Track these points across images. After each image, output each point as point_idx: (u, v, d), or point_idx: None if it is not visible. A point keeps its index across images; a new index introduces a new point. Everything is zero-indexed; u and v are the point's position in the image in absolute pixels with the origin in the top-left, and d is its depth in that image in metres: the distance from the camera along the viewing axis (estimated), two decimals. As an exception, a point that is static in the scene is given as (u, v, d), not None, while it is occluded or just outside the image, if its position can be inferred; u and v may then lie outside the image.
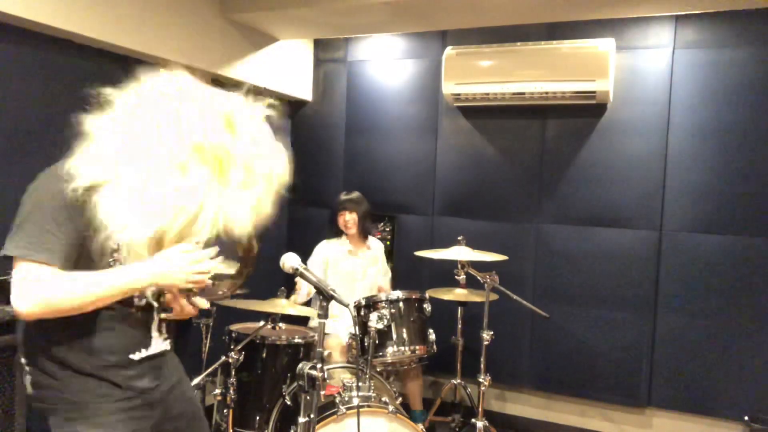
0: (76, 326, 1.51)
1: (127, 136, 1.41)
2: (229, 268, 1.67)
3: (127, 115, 1.42)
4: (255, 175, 1.53)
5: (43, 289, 1.40)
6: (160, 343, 1.69)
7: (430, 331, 3.22)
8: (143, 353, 1.64)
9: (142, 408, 1.63)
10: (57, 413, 1.54)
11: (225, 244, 1.61)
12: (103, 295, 1.44)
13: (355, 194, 3.82)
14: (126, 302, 1.56)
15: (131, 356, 1.61)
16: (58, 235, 1.42)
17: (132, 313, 1.60)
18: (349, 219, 3.71)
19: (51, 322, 1.46)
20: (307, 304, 3.62)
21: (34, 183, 1.47)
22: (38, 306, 1.39)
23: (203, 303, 1.63)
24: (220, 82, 3.57)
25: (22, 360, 1.58)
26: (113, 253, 1.51)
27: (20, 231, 1.43)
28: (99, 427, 1.54)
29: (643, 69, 3.73)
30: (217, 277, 1.64)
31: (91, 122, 1.41)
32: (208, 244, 1.53)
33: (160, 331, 1.69)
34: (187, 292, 1.58)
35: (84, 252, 1.47)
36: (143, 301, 1.62)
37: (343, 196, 3.80)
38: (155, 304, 1.65)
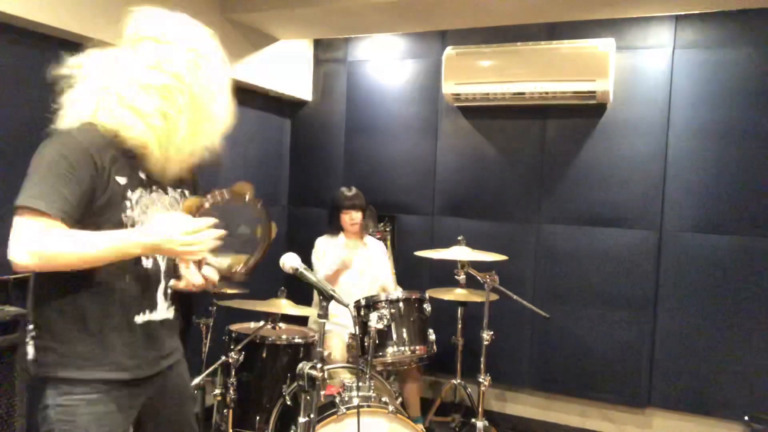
0: (84, 281, 1.50)
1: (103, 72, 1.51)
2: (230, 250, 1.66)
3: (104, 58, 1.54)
4: (203, 110, 1.57)
5: (40, 241, 1.38)
6: (164, 310, 1.68)
7: (430, 331, 3.22)
8: (146, 316, 1.62)
9: (138, 384, 1.61)
10: (56, 385, 1.52)
11: (243, 222, 1.62)
12: (99, 255, 1.43)
13: (356, 190, 3.75)
14: (134, 260, 1.55)
15: (136, 318, 1.59)
16: (61, 188, 1.42)
17: (140, 272, 1.59)
18: (356, 217, 3.69)
19: (60, 276, 1.45)
20: (310, 302, 3.62)
21: (43, 143, 1.49)
22: (33, 257, 1.38)
23: (213, 275, 1.60)
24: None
25: (30, 326, 1.56)
26: (126, 210, 1.52)
27: (25, 183, 1.43)
28: (94, 404, 1.52)
29: (643, 69, 3.73)
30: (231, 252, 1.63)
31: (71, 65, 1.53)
32: (226, 219, 1.55)
33: (165, 296, 1.67)
34: (196, 261, 1.57)
35: (89, 211, 1.47)
36: (150, 262, 1.60)
37: (346, 193, 3.74)
38: (162, 267, 1.64)
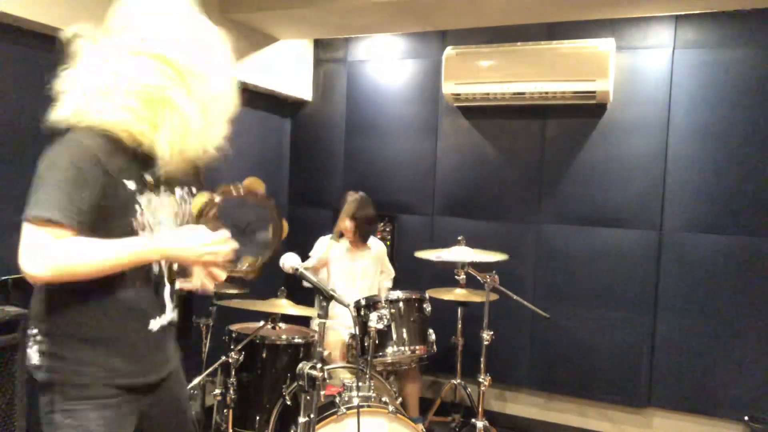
0: (95, 289, 1.48)
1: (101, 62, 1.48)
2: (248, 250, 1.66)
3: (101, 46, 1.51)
4: (209, 96, 1.55)
5: (54, 253, 1.36)
6: (171, 312, 1.68)
7: (430, 331, 3.22)
8: (159, 320, 1.61)
9: (144, 389, 1.61)
10: (62, 391, 1.50)
11: (254, 221, 1.61)
12: (115, 263, 1.42)
13: (360, 198, 3.68)
14: (145, 266, 1.55)
15: (152, 322, 1.59)
16: (73, 197, 1.39)
17: (149, 278, 1.58)
18: (348, 226, 3.67)
19: (71, 284, 1.43)
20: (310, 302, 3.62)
21: (49, 150, 1.46)
22: (49, 269, 1.36)
23: (221, 275, 1.61)
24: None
25: (33, 330, 1.54)
26: (136, 214, 1.51)
27: (35, 193, 1.40)
28: (101, 409, 1.51)
29: (643, 69, 3.73)
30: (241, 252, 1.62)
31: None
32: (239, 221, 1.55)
33: (171, 297, 1.67)
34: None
35: (100, 218, 1.46)
36: (157, 267, 1.60)
37: (348, 199, 3.69)
38: (165, 271, 1.63)
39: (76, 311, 1.51)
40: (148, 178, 1.55)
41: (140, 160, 1.51)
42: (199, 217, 1.56)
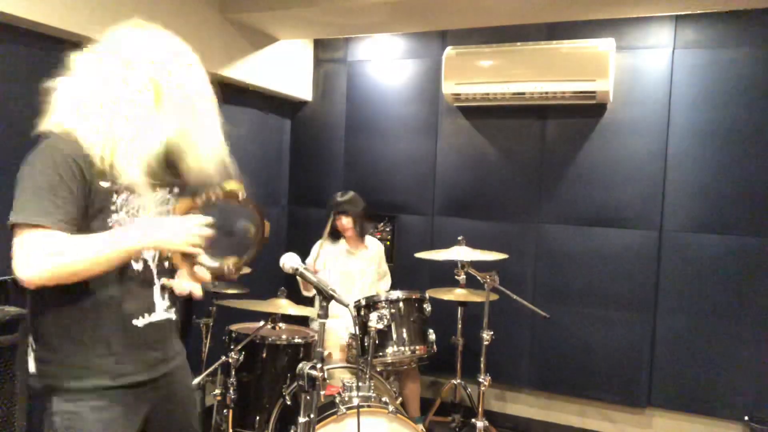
0: (77, 291, 1.50)
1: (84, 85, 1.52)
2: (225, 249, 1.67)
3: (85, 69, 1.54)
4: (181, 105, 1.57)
5: (47, 255, 1.39)
6: (164, 311, 1.68)
7: (430, 331, 3.22)
8: (147, 319, 1.62)
9: (144, 387, 1.62)
10: (59, 393, 1.52)
11: (236, 222, 1.63)
12: (107, 257, 1.45)
13: (350, 195, 3.75)
14: (123, 266, 1.56)
15: (135, 321, 1.59)
16: (55, 199, 1.42)
17: (134, 276, 1.59)
18: (346, 223, 3.68)
19: (55, 290, 1.45)
20: (310, 302, 3.62)
21: (29, 155, 1.49)
22: (44, 272, 1.39)
23: (205, 275, 1.61)
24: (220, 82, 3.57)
25: (30, 338, 1.57)
26: (112, 214, 1.53)
27: (18, 199, 1.43)
28: (99, 410, 1.52)
29: (643, 69, 3.73)
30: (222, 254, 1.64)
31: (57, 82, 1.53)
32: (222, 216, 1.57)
33: (163, 296, 1.67)
34: (189, 259, 1.58)
35: (80, 219, 1.48)
36: (141, 265, 1.61)
37: (338, 198, 3.73)
38: (154, 270, 1.64)
39: (60, 314, 1.53)
40: (124, 179, 1.55)
41: (113, 163, 1.52)
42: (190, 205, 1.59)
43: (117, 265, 1.50)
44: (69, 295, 1.50)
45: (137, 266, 1.61)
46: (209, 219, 1.55)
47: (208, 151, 1.62)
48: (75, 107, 1.50)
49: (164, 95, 1.53)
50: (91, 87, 1.51)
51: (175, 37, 1.63)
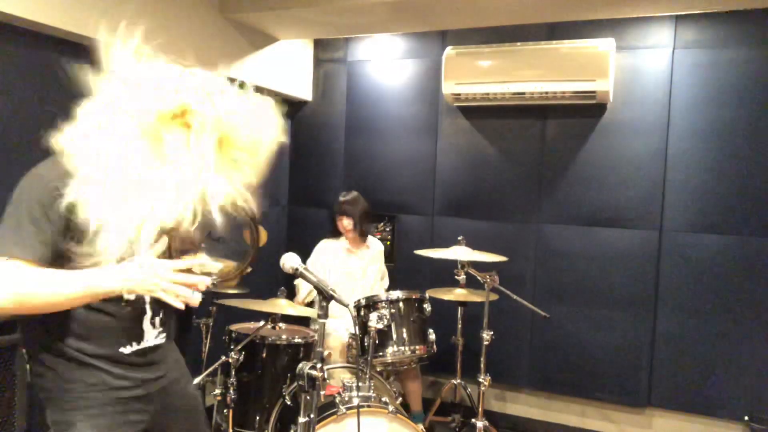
0: (70, 317, 1.51)
1: (98, 121, 1.40)
2: (219, 263, 1.63)
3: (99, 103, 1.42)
4: (235, 145, 1.46)
5: (10, 285, 1.37)
6: (153, 338, 1.68)
7: (430, 331, 3.22)
8: (134, 347, 1.62)
9: (138, 400, 1.62)
10: (55, 403, 1.55)
11: (232, 232, 1.59)
12: (72, 296, 1.41)
13: (352, 195, 3.76)
14: (115, 297, 1.53)
15: (121, 349, 1.60)
16: (33, 231, 1.41)
17: (122, 306, 1.58)
18: (347, 224, 3.69)
19: (40, 315, 1.45)
20: (311, 304, 3.62)
21: (21, 181, 1.47)
22: (7, 302, 1.36)
23: (195, 300, 1.53)
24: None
25: (24, 350, 1.61)
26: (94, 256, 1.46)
27: (1, 227, 1.43)
28: (94, 418, 1.54)
29: (643, 69, 3.73)
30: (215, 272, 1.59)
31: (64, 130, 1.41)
32: (208, 228, 1.48)
33: (153, 324, 1.67)
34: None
35: (63, 253, 1.45)
36: (132, 296, 1.59)
37: (341, 198, 3.76)
38: (146, 298, 1.62)
39: (50, 333, 1.54)
40: None
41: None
42: (171, 232, 1.52)
43: (83, 303, 1.46)
44: (56, 321, 1.50)
45: (129, 296, 1.58)
46: (195, 262, 1.48)
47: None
48: (88, 136, 1.40)
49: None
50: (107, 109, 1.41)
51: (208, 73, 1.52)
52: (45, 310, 1.42)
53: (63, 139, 1.42)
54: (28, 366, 1.60)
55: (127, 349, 1.61)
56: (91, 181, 1.38)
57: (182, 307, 1.47)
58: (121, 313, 1.59)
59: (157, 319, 1.68)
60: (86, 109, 1.43)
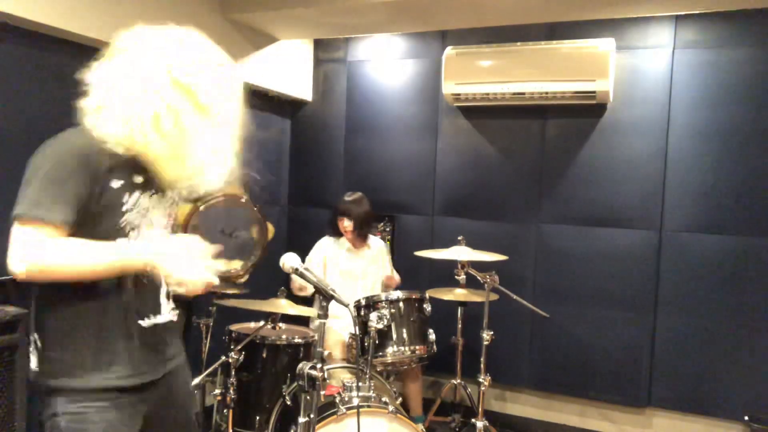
0: (86, 289, 1.49)
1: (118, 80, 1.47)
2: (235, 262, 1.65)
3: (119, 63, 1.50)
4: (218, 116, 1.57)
5: (39, 252, 1.37)
6: (168, 312, 1.68)
7: (430, 331, 3.22)
8: (152, 320, 1.62)
9: (146, 386, 1.61)
10: (63, 393, 1.51)
11: (239, 227, 1.61)
12: (99, 267, 1.43)
13: (357, 197, 3.71)
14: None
15: (141, 322, 1.59)
16: (60, 195, 1.40)
17: (142, 278, 1.58)
18: (347, 225, 3.67)
19: (61, 285, 1.44)
20: (311, 301, 3.62)
21: (41, 147, 1.47)
22: (32, 268, 1.37)
23: (213, 279, 1.58)
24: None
25: (33, 335, 1.55)
26: (123, 214, 1.51)
27: (22, 192, 1.41)
28: (104, 410, 1.52)
29: (643, 69, 3.73)
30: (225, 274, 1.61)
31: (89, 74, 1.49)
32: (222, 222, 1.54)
33: (168, 297, 1.67)
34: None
35: (88, 215, 1.45)
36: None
37: (345, 199, 3.72)
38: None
39: (67, 314, 1.52)
40: (137, 179, 1.54)
41: (128, 161, 1.50)
42: (185, 227, 1.56)
43: (110, 275, 1.48)
44: (77, 293, 1.48)
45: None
46: (218, 248, 1.51)
47: (220, 155, 1.60)
48: (101, 107, 1.46)
49: (200, 100, 1.52)
50: (128, 76, 1.48)
51: (210, 42, 1.62)
52: (70, 279, 1.43)
53: (87, 105, 1.46)
54: (36, 353, 1.54)
55: (145, 322, 1.60)
56: (128, 139, 1.44)
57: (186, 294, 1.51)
58: (141, 284, 1.58)
59: (171, 293, 1.68)
60: (98, 76, 1.49)
